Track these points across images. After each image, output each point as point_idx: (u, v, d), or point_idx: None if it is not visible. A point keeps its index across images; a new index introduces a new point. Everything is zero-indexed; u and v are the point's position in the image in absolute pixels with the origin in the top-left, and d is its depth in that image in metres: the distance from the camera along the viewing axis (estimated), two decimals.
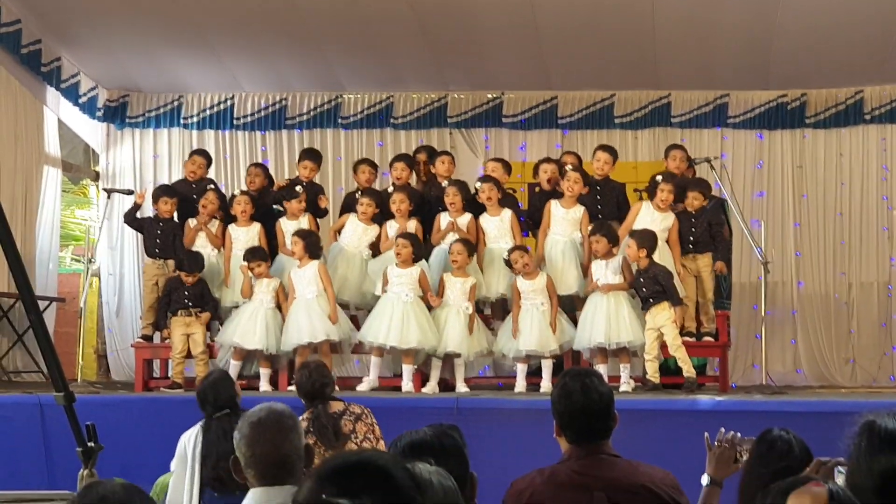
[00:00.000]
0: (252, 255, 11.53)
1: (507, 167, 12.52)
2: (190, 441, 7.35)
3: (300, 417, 7.51)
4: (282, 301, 11.52)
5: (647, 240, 11.03)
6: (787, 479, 3.30)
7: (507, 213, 11.74)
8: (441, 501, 3.03)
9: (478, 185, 11.81)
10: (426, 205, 12.08)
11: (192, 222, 12.19)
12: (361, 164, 12.76)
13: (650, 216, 11.49)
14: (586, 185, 11.73)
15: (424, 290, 11.21)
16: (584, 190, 11.71)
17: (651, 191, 11.73)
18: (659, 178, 11.67)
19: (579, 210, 11.67)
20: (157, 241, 12.24)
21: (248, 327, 11.38)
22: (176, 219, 12.39)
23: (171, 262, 12.11)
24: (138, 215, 12.59)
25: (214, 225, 12.14)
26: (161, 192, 12.56)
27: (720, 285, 12.31)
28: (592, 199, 11.87)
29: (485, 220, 11.74)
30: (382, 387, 11.27)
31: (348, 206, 12.40)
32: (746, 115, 14.53)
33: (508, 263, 11.27)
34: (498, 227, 11.69)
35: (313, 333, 11.15)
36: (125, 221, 12.83)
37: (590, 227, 11.36)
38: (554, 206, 11.71)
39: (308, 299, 11.23)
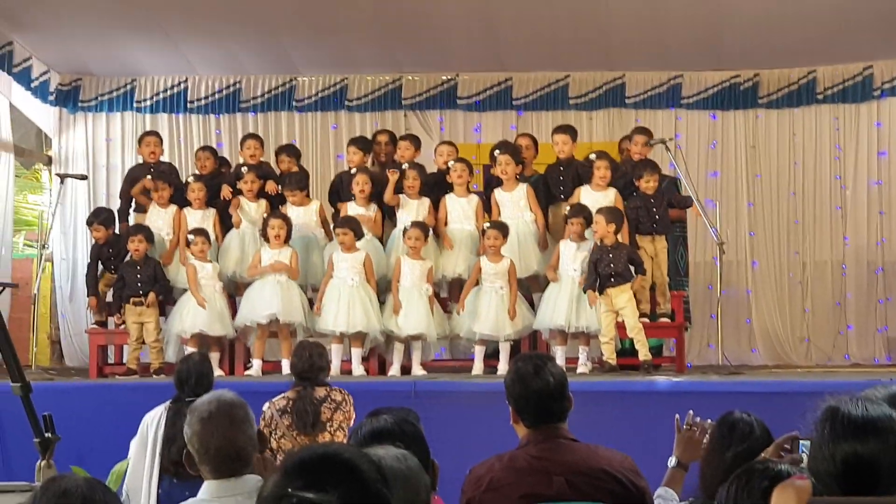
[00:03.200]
0: (198, 232, 11.50)
1: (457, 149, 12.50)
2: (153, 423, 7.27)
3: (281, 395, 7.56)
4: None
5: (616, 216, 11.02)
6: (758, 463, 3.31)
7: (475, 198, 11.74)
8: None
9: (450, 163, 11.80)
10: (383, 188, 12.01)
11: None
12: (350, 145, 12.63)
13: (590, 197, 11.49)
14: (518, 164, 11.74)
15: (368, 275, 11.24)
16: (518, 169, 11.72)
17: (585, 170, 11.71)
18: (593, 156, 11.67)
19: (522, 189, 11.68)
20: (112, 268, 12.00)
21: (213, 315, 11.33)
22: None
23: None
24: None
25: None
26: (92, 220, 12.32)
27: (677, 263, 12.33)
28: (556, 180, 11.88)
29: (451, 200, 11.73)
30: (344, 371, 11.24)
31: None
32: (700, 96, 14.59)
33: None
34: (464, 209, 11.68)
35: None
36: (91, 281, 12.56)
37: (567, 209, 11.34)
38: (497, 193, 11.72)
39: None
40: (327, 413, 7.51)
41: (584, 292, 10.93)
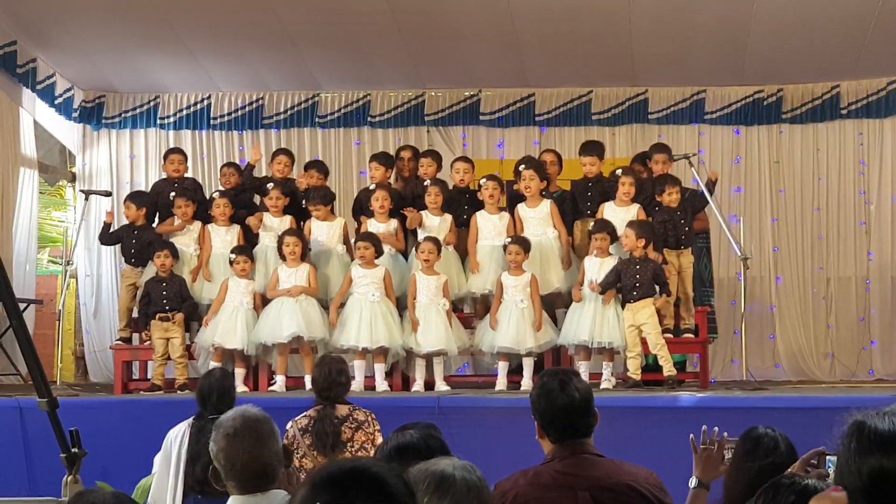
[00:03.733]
0: (240, 251, 11.55)
1: (473, 165, 12.47)
2: (177, 439, 7.25)
3: (303, 413, 7.54)
4: (258, 303, 11.55)
5: (647, 231, 11.01)
6: (785, 478, 3.30)
7: (506, 215, 11.74)
8: (464, 495, 3.04)
9: (482, 181, 11.82)
10: (405, 203, 12.04)
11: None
12: (372, 160, 12.65)
13: (612, 213, 11.48)
14: (543, 180, 11.74)
15: (388, 291, 11.26)
16: (542, 185, 11.71)
17: (612, 186, 11.69)
18: (619, 171, 11.67)
19: (545, 205, 11.68)
20: (133, 249, 12.18)
21: (229, 327, 11.36)
22: (156, 224, 12.40)
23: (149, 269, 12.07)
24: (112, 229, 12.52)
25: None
26: (127, 197, 12.61)
27: (702, 274, 12.29)
28: (584, 196, 11.89)
29: (482, 217, 11.72)
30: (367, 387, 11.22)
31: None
32: (723, 111, 14.56)
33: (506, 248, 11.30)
34: (495, 226, 11.68)
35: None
36: (102, 243, 12.83)
37: (591, 225, 11.34)
38: (521, 208, 11.73)
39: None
40: (348, 433, 7.42)
41: (602, 292, 10.93)
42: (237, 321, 11.38)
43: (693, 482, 5.41)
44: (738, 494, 4.65)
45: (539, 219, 11.66)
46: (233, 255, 11.53)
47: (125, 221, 12.48)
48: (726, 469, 5.26)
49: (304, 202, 12.15)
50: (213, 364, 10.96)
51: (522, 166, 11.80)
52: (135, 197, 12.52)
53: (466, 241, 11.81)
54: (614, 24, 12.90)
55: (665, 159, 12.02)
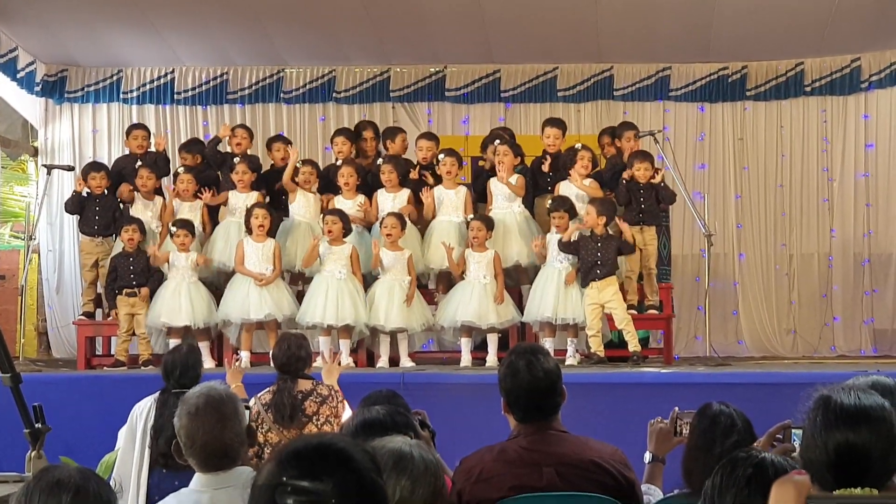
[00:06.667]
0: (181, 225, 11.45)
1: (438, 142, 12.47)
2: (142, 415, 7.23)
3: (266, 389, 7.53)
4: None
5: (607, 208, 11.06)
6: (742, 452, 3.33)
7: (463, 190, 11.75)
8: (422, 473, 3.05)
9: (440, 156, 11.81)
10: (371, 180, 12.03)
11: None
12: (337, 135, 12.62)
13: (568, 188, 11.55)
14: (517, 156, 11.75)
15: (354, 268, 11.25)
16: (516, 161, 11.73)
17: (570, 160, 11.70)
18: (578, 146, 11.70)
19: (513, 180, 11.69)
20: (96, 217, 12.11)
21: (173, 305, 11.30)
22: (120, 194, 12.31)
23: (109, 240, 11.99)
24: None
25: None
26: (89, 167, 12.48)
27: (660, 252, 12.34)
28: (543, 173, 11.90)
29: (439, 191, 11.73)
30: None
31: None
32: (688, 88, 14.59)
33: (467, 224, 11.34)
34: (452, 202, 11.68)
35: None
36: (68, 210, 12.67)
37: (549, 202, 11.35)
38: (492, 183, 11.76)
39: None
40: (313, 406, 7.43)
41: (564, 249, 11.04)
42: (181, 298, 11.31)
43: (647, 457, 5.47)
44: (699, 477, 4.66)
45: (506, 193, 11.66)
46: (173, 228, 11.41)
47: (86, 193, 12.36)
48: (679, 441, 5.30)
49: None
50: (173, 342, 10.84)
51: (497, 142, 11.82)
52: (99, 167, 12.43)
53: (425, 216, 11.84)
54: (580, 0, 12.89)
55: (634, 135, 12.12)
